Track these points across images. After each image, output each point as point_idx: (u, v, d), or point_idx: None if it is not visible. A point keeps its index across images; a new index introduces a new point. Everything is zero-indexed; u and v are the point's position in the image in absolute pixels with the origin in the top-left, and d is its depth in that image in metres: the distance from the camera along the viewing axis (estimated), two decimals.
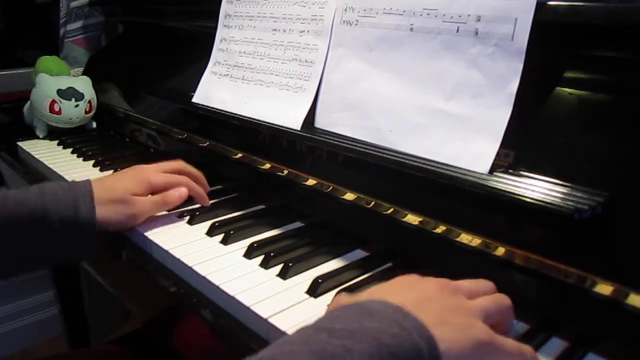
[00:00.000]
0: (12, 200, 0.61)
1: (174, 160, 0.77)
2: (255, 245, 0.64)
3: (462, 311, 0.41)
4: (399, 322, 0.37)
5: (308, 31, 0.74)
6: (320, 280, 0.56)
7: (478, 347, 0.39)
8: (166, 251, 0.64)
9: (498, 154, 0.53)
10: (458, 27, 0.57)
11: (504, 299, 0.46)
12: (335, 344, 0.34)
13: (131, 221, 0.68)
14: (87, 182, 0.66)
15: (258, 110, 0.78)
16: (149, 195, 0.71)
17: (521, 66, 0.52)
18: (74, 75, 1.19)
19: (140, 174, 0.71)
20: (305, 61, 0.73)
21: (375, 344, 0.35)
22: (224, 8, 0.88)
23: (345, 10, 0.69)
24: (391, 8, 0.64)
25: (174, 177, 0.73)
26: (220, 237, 0.67)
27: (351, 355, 0.34)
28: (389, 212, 0.61)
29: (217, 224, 0.69)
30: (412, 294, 0.42)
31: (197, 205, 0.75)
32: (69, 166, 0.95)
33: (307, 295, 0.55)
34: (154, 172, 0.72)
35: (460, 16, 0.57)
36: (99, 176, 0.91)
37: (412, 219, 0.59)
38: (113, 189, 0.67)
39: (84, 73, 1.29)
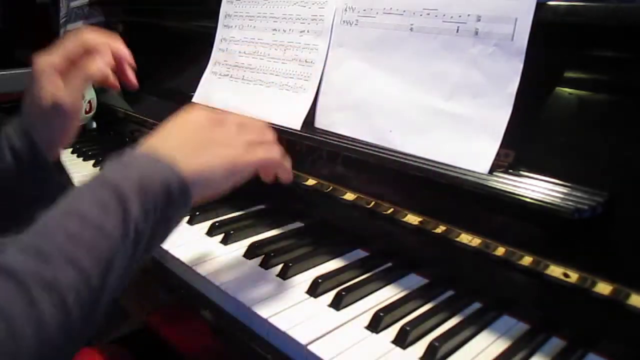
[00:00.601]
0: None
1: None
2: (255, 245, 0.64)
3: (215, 142, 0.50)
4: (154, 164, 0.45)
5: (308, 31, 0.74)
6: (320, 280, 0.56)
7: (223, 168, 0.49)
8: (166, 251, 0.63)
9: (498, 154, 0.53)
10: (458, 27, 0.57)
11: (257, 124, 0.56)
12: (108, 192, 0.42)
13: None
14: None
15: (258, 110, 0.78)
16: None
17: (521, 66, 0.52)
18: None
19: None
20: (305, 61, 0.73)
21: (135, 184, 0.43)
22: (224, 8, 0.88)
23: (345, 10, 0.69)
24: (391, 8, 0.63)
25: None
26: (221, 237, 0.67)
27: (121, 199, 0.41)
28: (389, 212, 0.61)
29: (217, 224, 0.69)
30: (176, 130, 0.52)
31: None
32: (69, 166, 0.95)
33: (307, 295, 0.55)
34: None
35: (460, 16, 0.57)
36: None
37: (412, 219, 0.59)
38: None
39: None
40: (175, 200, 0.45)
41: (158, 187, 0.44)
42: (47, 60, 0.61)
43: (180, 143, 0.50)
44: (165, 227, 0.46)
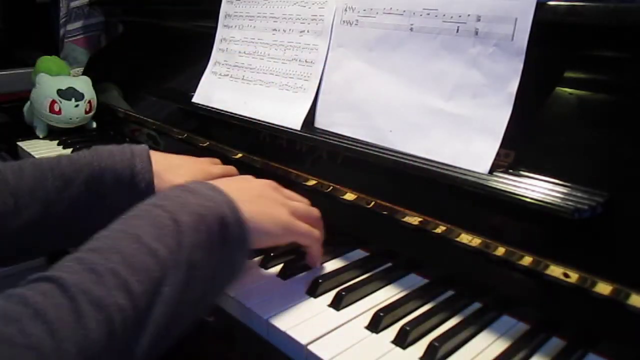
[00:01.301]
0: (65, 157, 0.59)
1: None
2: None
3: (272, 200, 0.55)
4: (213, 198, 0.47)
5: (308, 31, 0.74)
6: (320, 280, 0.56)
7: (275, 223, 0.52)
8: None
9: (498, 154, 0.53)
10: (458, 27, 0.57)
11: (313, 210, 0.59)
12: (165, 217, 0.43)
13: None
14: (144, 145, 0.63)
15: (258, 110, 0.78)
16: None
17: (521, 66, 0.52)
18: (74, 75, 1.19)
19: (196, 163, 0.68)
20: (305, 61, 0.73)
21: (192, 213, 0.44)
22: (224, 8, 0.88)
23: (345, 10, 0.69)
24: (391, 8, 0.63)
25: (228, 167, 0.72)
26: None
27: (177, 224, 0.43)
28: (389, 212, 0.61)
29: None
30: (237, 184, 0.56)
31: None
32: None
33: (307, 296, 0.55)
34: (209, 163, 0.71)
35: (460, 16, 0.57)
36: None
37: (412, 219, 0.59)
38: (171, 166, 0.63)
39: (84, 73, 1.29)
40: (232, 236, 0.46)
41: (214, 219, 0.45)
42: None
43: (240, 188, 0.52)
44: (225, 264, 0.46)
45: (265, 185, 0.58)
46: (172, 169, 0.63)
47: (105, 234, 0.42)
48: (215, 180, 0.53)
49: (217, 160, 0.75)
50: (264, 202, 0.53)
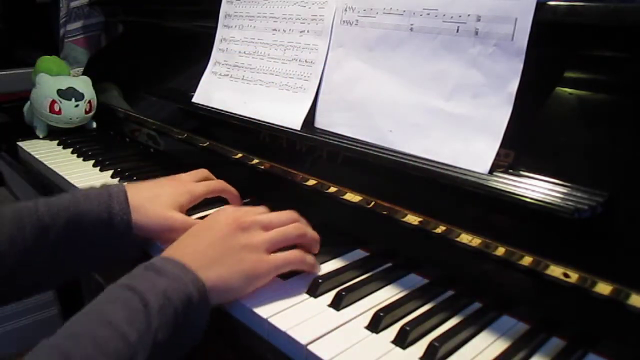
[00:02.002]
0: (42, 202, 0.59)
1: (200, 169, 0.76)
2: None
3: (239, 250, 0.54)
4: (179, 278, 0.49)
5: (308, 31, 0.74)
6: (320, 281, 0.56)
7: (241, 277, 0.53)
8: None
9: (498, 154, 0.53)
10: (458, 27, 0.57)
11: (292, 230, 0.58)
12: (136, 301, 0.46)
13: (167, 235, 0.62)
14: (122, 185, 0.64)
15: (258, 110, 0.78)
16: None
17: (521, 66, 0.52)
18: (74, 75, 1.19)
19: (180, 185, 0.68)
20: (305, 61, 0.73)
21: (162, 297, 0.47)
22: (224, 8, 0.88)
23: (345, 10, 0.69)
24: (391, 8, 0.63)
25: (213, 183, 0.72)
26: None
27: (147, 307, 0.46)
28: (389, 212, 0.61)
29: None
30: (197, 244, 0.55)
31: None
32: (69, 166, 0.95)
33: (307, 296, 0.55)
34: (192, 182, 0.70)
35: (460, 16, 0.57)
36: (99, 176, 0.91)
37: (412, 219, 0.59)
38: (151, 193, 0.64)
39: (84, 73, 1.29)
40: (197, 312, 0.50)
41: (180, 301, 0.48)
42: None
43: (203, 250, 0.54)
44: (187, 334, 0.50)
45: (232, 231, 0.56)
46: (151, 200, 0.63)
47: (80, 319, 0.46)
48: (180, 240, 0.56)
49: (202, 173, 0.74)
50: (229, 259, 0.53)
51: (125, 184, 0.64)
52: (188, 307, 0.48)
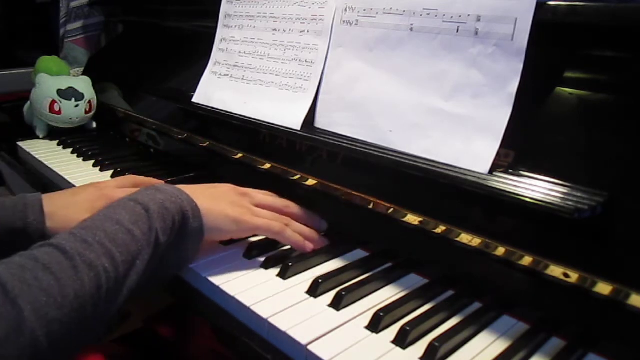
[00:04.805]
0: None
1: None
2: (255, 245, 0.64)
3: (230, 202, 0.62)
4: (177, 195, 0.57)
5: (308, 31, 0.74)
6: (320, 281, 0.56)
7: (228, 220, 0.60)
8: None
9: (498, 154, 0.53)
10: (458, 27, 0.57)
11: (277, 202, 0.68)
12: (139, 208, 0.54)
13: None
14: (37, 194, 0.64)
15: (258, 110, 0.78)
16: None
17: (521, 66, 0.52)
18: (74, 75, 1.19)
19: (97, 190, 0.68)
20: (305, 61, 0.73)
21: (161, 206, 0.55)
22: (224, 8, 0.88)
23: (345, 10, 0.69)
24: (391, 8, 0.63)
25: (136, 182, 0.71)
26: None
27: (148, 212, 0.53)
28: (389, 212, 0.61)
29: None
30: (200, 187, 0.64)
31: None
32: (69, 166, 0.95)
33: (307, 295, 0.55)
34: (113, 187, 0.69)
35: (460, 16, 0.57)
36: (99, 176, 0.91)
37: (412, 219, 0.59)
38: (68, 199, 0.64)
39: (84, 73, 1.29)
40: (190, 227, 0.57)
41: (177, 212, 0.55)
42: None
43: (203, 191, 0.62)
44: (180, 247, 0.57)
45: (228, 190, 0.65)
46: (67, 207, 0.63)
47: (92, 218, 0.52)
48: (181, 185, 0.61)
49: (129, 179, 0.73)
50: (221, 203, 0.61)
51: (41, 194, 0.63)
52: (184, 220, 0.56)
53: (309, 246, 0.63)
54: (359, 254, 0.64)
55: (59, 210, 0.63)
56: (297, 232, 0.64)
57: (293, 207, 0.68)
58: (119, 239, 0.50)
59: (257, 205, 0.65)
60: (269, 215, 0.64)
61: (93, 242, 0.48)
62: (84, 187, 0.70)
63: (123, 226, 0.51)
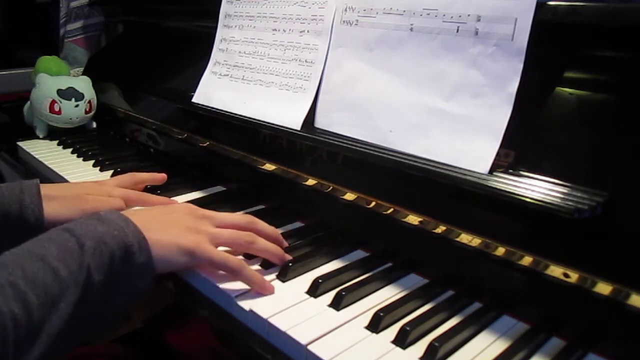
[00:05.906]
0: None
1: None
2: None
3: (185, 229, 0.56)
4: (121, 227, 0.51)
5: (308, 31, 0.74)
6: (320, 281, 0.56)
7: (180, 251, 0.54)
8: None
9: (498, 154, 0.53)
10: (458, 27, 0.57)
11: (243, 235, 0.59)
12: (72, 242, 0.48)
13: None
14: (35, 180, 0.64)
15: (258, 110, 0.78)
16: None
17: (521, 66, 0.52)
18: (74, 75, 1.19)
19: (94, 186, 0.69)
20: (305, 61, 0.73)
21: (99, 241, 0.49)
22: (224, 8, 0.88)
23: (345, 10, 0.69)
24: (391, 8, 0.63)
25: (125, 179, 0.72)
26: None
27: (82, 248, 0.47)
28: (389, 212, 0.61)
29: None
30: (154, 213, 0.59)
31: None
32: (69, 166, 0.95)
33: (307, 296, 0.55)
34: (112, 185, 0.70)
35: (460, 16, 0.57)
36: (99, 176, 0.91)
37: (412, 219, 0.59)
38: (66, 187, 0.65)
39: (84, 73, 1.29)
40: (135, 263, 0.51)
41: (118, 247, 0.50)
42: None
43: (154, 218, 0.57)
44: (126, 283, 0.51)
45: (184, 215, 0.59)
46: (64, 190, 0.64)
47: (14, 252, 0.46)
48: (134, 209, 0.57)
49: (129, 177, 0.73)
50: (173, 231, 0.56)
51: (38, 180, 0.64)
52: (127, 255, 0.50)
53: (262, 286, 0.56)
54: (359, 254, 0.64)
55: (56, 194, 0.63)
56: (261, 249, 0.59)
57: (257, 222, 0.62)
58: (38, 279, 0.44)
59: (218, 226, 0.59)
60: (232, 234, 0.59)
61: (4, 284, 0.42)
62: (82, 182, 0.71)
63: (47, 263, 0.45)
